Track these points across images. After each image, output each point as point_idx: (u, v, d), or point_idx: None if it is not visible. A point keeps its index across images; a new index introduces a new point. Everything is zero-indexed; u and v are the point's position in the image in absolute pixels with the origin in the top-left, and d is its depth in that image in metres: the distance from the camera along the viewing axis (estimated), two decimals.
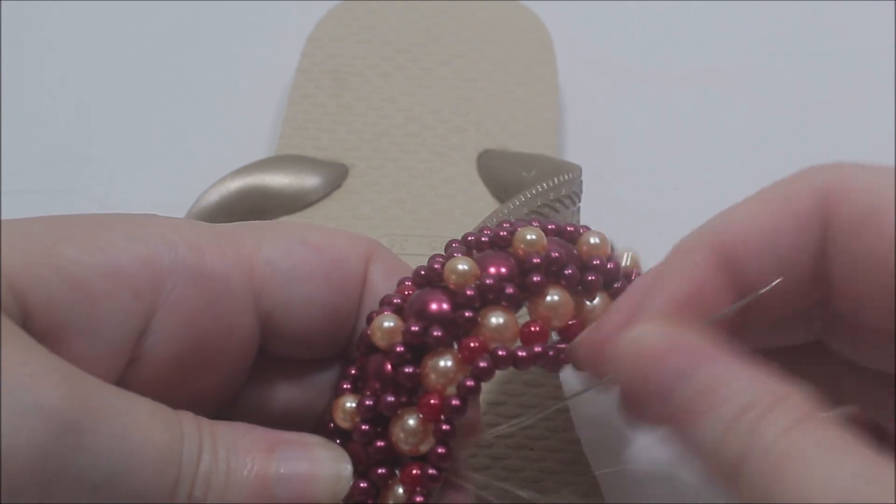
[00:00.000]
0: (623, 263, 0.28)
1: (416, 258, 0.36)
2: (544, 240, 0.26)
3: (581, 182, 0.37)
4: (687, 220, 0.42)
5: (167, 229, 0.25)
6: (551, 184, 0.35)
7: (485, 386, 0.32)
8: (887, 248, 0.22)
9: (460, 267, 0.25)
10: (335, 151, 0.40)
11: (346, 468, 0.24)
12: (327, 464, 0.24)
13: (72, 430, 0.21)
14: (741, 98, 0.46)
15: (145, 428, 0.22)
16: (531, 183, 0.37)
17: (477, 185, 0.39)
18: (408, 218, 0.38)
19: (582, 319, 0.26)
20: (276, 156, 0.40)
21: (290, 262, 0.26)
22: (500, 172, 0.39)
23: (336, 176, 0.39)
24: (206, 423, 0.23)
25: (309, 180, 0.39)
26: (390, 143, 0.40)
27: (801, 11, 0.49)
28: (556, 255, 0.25)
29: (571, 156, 0.44)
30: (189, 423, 0.23)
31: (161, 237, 0.25)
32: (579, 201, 0.37)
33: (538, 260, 0.25)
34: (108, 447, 0.21)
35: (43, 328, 0.23)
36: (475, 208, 0.38)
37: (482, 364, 0.24)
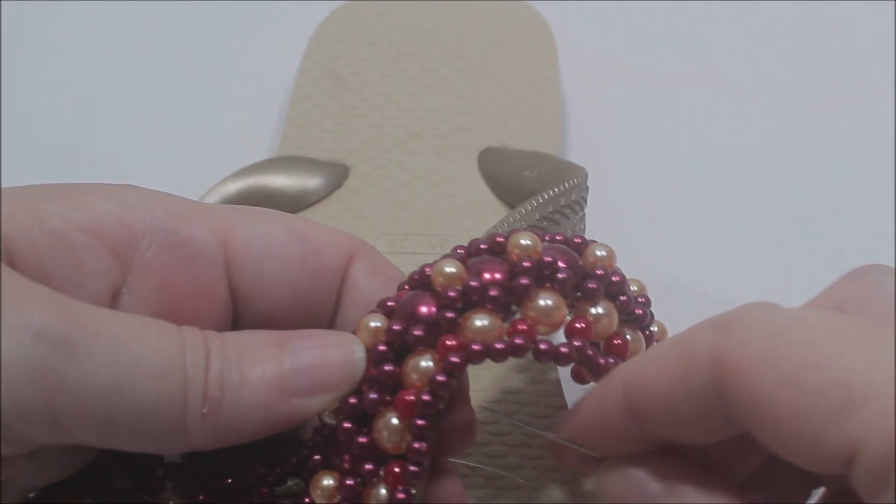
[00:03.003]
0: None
1: (416, 257, 0.36)
2: (539, 245, 0.26)
3: (587, 187, 0.37)
4: (687, 220, 0.43)
5: (146, 196, 0.26)
6: (559, 190, 0.35)
7: (482, 383, 0.32)
8: (776, 425, 0.22)
9: (447, 269, 0.25)
10: (337, 152, 0.40)
11: (359, 350, 0.25)
12: (339, 349, 0.25)
13: (64, 343, 0.21)
14: (742, 98, 0.46)
15: (141, 338, 0.22)
16: (534, 183, 0.37)
17: (478, 184, 0.39)
18: (408, 218, 0.38)
19: (625, 338, 0.26)
20: (278, 157, 0.40)
21: (266, 242, 0.26)
22: (501, 171, 0.39)
23: (337, 176, 0.39)
24: (212, 332, 0.24)
25: (310, 181, 0.39)
26: (392, 143, 0.40)
27: (801, 11, 0.50)
28: (549, 259, 0.25)
29: (572, 155, 0.44)
30: (192, 333, 0.23)
31: (138, 201, 0.26)
32: (585, 206, 0.36)
33: (528, 264, 0.25)
34: (104, 358, 0.22)
35: (29, 276, 0.23)
36: (476, 207, 0.38)
37: (453, 359, 0.24)
